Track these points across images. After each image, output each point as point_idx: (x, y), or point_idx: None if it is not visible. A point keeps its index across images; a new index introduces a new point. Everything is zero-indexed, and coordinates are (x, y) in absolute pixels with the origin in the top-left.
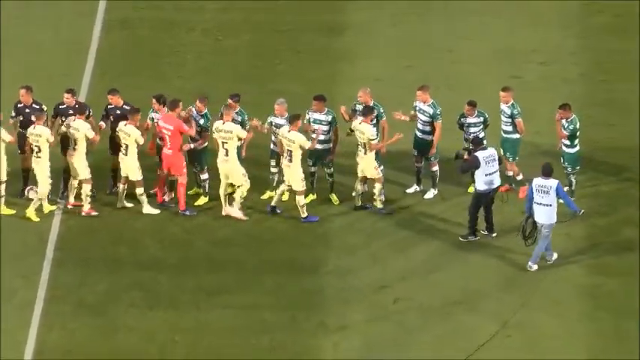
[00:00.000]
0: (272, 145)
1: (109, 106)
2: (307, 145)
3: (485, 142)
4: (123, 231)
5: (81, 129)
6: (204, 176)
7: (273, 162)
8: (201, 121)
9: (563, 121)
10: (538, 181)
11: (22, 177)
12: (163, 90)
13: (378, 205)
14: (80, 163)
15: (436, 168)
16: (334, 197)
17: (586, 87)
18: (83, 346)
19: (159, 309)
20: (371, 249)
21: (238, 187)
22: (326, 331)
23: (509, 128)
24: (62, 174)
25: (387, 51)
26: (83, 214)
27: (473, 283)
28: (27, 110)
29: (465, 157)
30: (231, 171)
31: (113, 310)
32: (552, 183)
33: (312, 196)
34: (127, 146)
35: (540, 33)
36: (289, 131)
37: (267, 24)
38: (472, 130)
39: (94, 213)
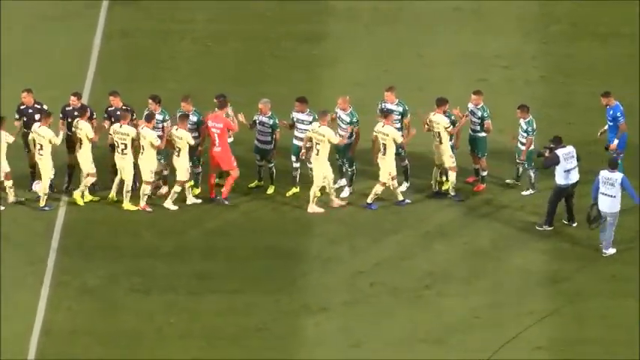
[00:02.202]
0: (256, 142)
1: (109, 108)
2: (401, 139)
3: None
4: (122, 222)
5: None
6: (198, 170)
7: (258, 156)
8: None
9: (521, 120)
10: (605, 174)
11: (30, 173)
12: (159, 92)
13: (452, 192)
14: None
15: (406, 162)
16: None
17: (546, 89)
18: (86, 327)
19: (155, 293)
20: (349, 238)
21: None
22: (308, 313)
23: (478, 128)
24: (66, 169)
25: (364, 57)
26: (139, 208)
27: (441, 269)
28: (30, 111)
29: (547, 154)
30: (316, 168)
31: (113, 294)
32: (618, 176)
33: (295, 189)
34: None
35: (504, 39)
36: (383, 126)
37: (253, 33)
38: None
39: (148, 209)
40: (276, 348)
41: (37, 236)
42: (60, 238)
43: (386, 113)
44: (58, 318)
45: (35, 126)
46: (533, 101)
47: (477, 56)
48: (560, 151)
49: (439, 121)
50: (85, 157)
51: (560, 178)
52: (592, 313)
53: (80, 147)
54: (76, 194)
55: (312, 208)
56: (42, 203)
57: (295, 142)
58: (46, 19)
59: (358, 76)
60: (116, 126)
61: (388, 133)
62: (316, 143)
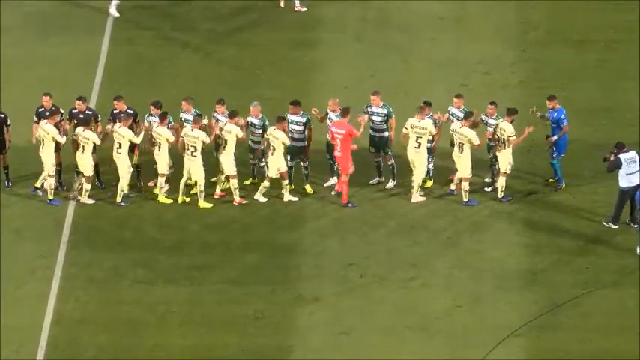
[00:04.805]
0: (250, 143)
1: (114, 111)
2: (477, 140)
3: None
4: (126, 217)
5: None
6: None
7: (251, 156)
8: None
9: (487, 117)
10: (625, 156)
11: (57, 171)
12: (160, 96)
13: (499, 195)
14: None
15: (392, 161)
16: (308, 188)
17: (524, 93)
18: (94, 316)
19: (158, 284)
20: (340, 232)
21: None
22: (302, 302)
23: None
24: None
25: (353, 62)
26: (235, 203)
27: (425, 261)
28: (47, 113)
29: (611, 158)
30: (419, 160)
31: (119, 285)
32: (634, 153)
33: (289, 187)
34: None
35: (484, 47)
36: (461, 127)
37: (249, 41)
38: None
39: (244, 202)
40: (272, 334)
41: (48, 231)
42: (69, 232)
43: (466, 115)
44: (68, 307)
45: (116, 126)
46: (512, 105)
47: (459, 62)
48: (622, 156)
49: (505, 128)
50: (162, 159)
51: (622, 182)
52: (562, 300)
53: (159, 150)
54: (161, 198)
55: (416, 198)
56: (118, 199)
57: (294, 143)
58: (57, 27)
59: (346, 80)
60: (187, 130)
61: (466, 135)
62: (417, 137)
